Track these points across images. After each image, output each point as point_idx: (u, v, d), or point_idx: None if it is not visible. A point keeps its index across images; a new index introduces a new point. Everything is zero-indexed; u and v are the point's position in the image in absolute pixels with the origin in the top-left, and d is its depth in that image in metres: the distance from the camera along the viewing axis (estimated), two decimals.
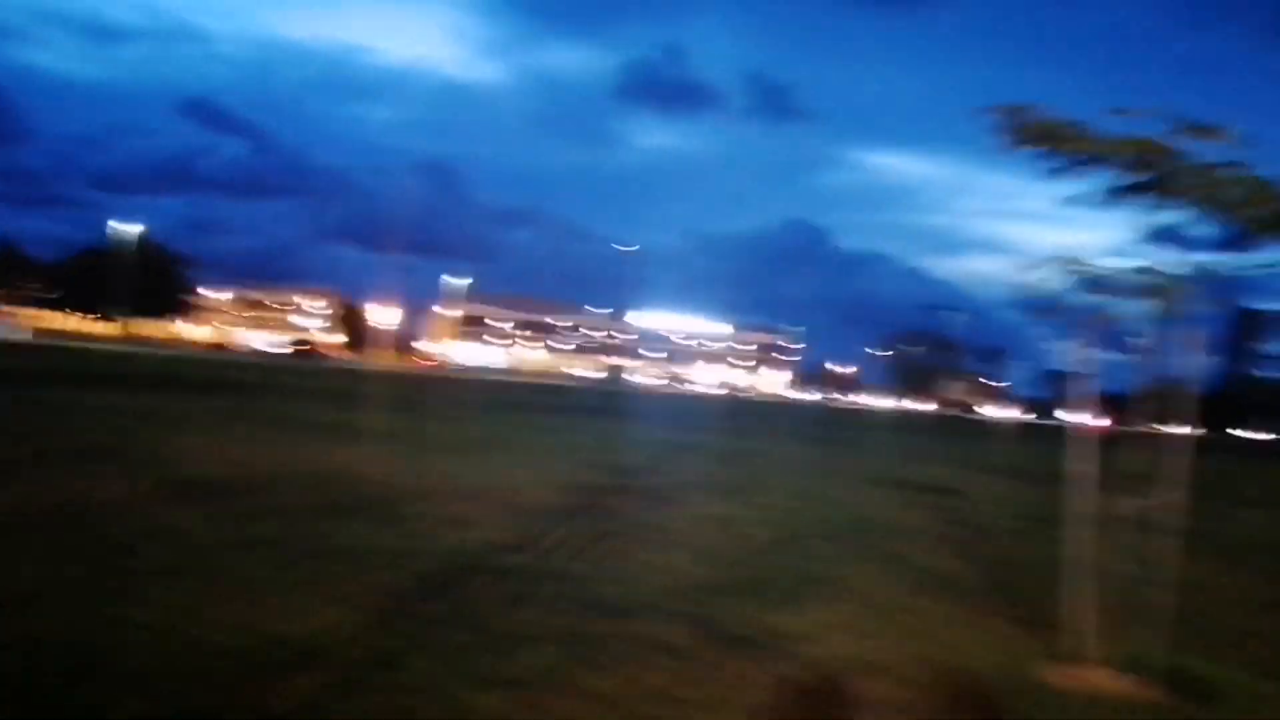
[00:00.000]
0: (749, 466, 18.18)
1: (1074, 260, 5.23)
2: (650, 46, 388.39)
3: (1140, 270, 5.17)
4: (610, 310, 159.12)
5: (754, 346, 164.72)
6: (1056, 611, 5.97)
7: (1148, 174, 5.18)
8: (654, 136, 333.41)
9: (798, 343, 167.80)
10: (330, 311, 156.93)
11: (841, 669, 5.39)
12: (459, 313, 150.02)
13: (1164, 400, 5.49)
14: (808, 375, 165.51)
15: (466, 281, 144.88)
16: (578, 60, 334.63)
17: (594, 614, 6.13)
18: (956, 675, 5.47)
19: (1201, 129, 5.06)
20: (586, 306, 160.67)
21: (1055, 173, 5.49)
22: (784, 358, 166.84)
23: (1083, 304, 5.47)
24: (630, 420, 34.28)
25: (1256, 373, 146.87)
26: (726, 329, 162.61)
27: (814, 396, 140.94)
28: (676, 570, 7.70)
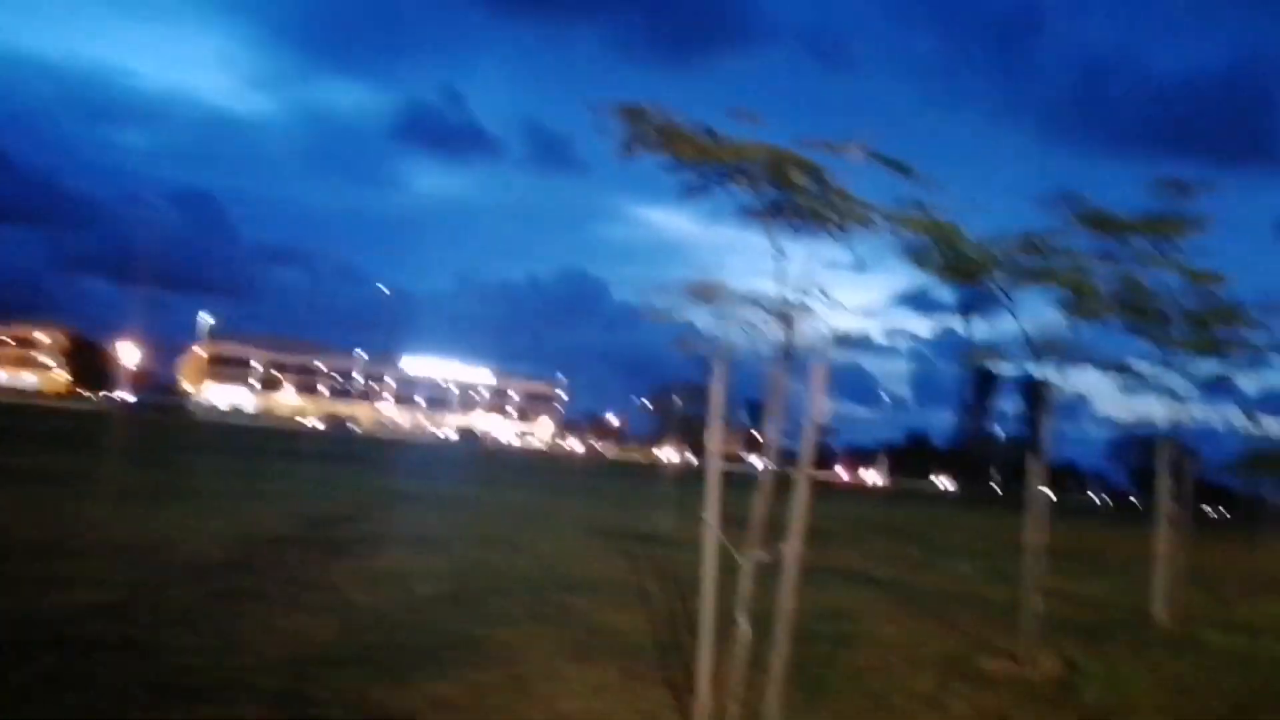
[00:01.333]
0: (464, 515, 17.20)
1: (706, 287, 4.65)
2: (427, 89, 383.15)
3: (750, 295, 4.62)
4: (377, 354, 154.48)
5: (522, 395, 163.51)
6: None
7: (779, 189, 4.67)
8: (430, 180, 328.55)
9: (566, 392, 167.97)
10: (52, 346, 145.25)
11: None
12: (211, 352, 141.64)
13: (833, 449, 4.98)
14: (575, 425, 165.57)
15: (214, 319, 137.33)
16: (352, 98, 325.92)
17: (151, 696, 5.03)
18: None
19: (834, 145, 4.60)
20: (356, 350, 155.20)
21: (690, 190, 4.94)
22: (552, 407, 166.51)
23: (725, 335, 4.89)
24: (365, 467, 32.45)
25: (993, 430, 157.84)
26: (494, 376, 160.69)
27: (578, 447, 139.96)
28: (298, 636, 6.65)
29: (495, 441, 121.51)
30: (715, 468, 4.96)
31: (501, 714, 5.32)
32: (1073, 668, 7.99)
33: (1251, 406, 18.18)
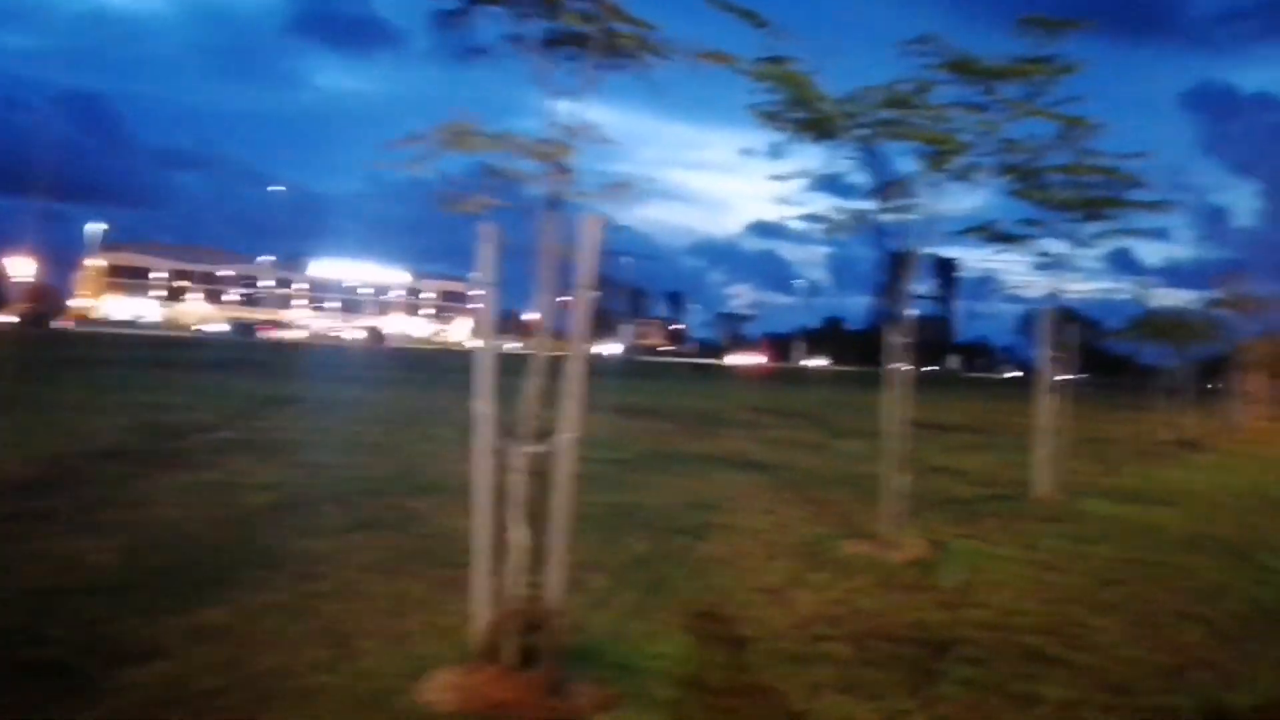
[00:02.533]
0: (337, 419, 16.37)
1: (456, 131, 3.85)
2: None
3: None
4: (285, 258, 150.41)
5: (438, 295, 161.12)
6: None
7: (544, 8, 3.86)
8: (332, 77, 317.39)
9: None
10: None
11: (145, 706, 3.83)
12: (110, 262, 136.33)
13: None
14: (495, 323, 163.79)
15: (106, 228, 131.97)
16: None
17: None
18: (310, 692, 4.05)
19: None
20: (264, 256, 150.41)
21: (444, 17, 4.12)
22: (468, 306, 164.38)
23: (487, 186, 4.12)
24: (249, 374, 31.04)
25: (907, 311, 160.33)
26: (407, 277, 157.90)
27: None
28: (69, 562, 5.87)
29: (266, 337, 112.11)
30: (489, 349, 4.27)
31: (265, 642, 4.63)
32: (939, 548, 7.58)
33: (1148, 277, 18.04)
